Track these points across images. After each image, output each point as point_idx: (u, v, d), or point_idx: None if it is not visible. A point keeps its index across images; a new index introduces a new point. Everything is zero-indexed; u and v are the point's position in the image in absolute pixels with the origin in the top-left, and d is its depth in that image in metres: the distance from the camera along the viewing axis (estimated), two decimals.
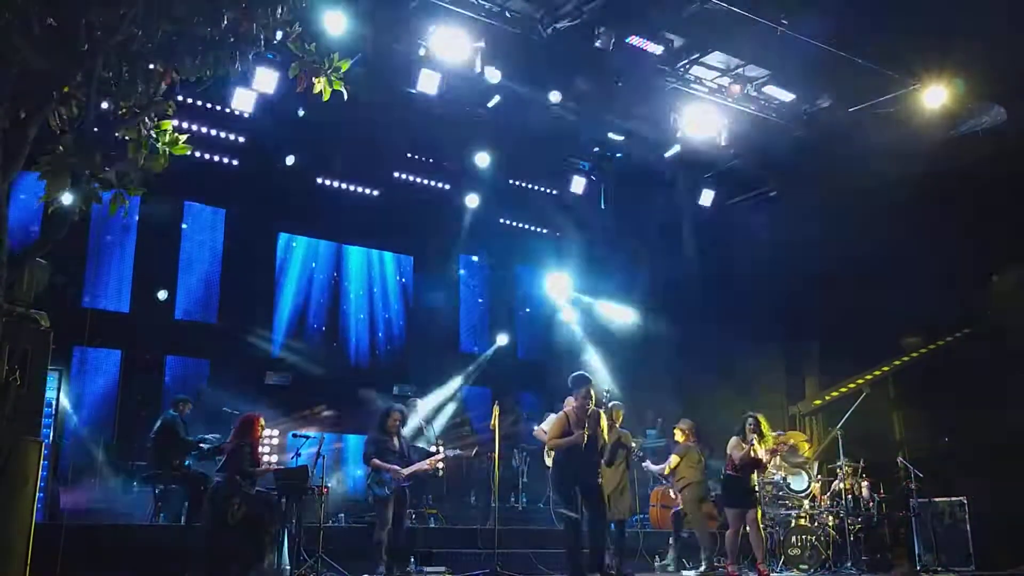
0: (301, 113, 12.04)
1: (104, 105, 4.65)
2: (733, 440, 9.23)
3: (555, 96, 11.86)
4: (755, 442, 9.04)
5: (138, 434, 10.58)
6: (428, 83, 11.15)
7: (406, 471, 8.76)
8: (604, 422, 8.06)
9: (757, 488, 9.53)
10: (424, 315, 15.37)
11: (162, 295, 12.38)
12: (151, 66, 4.63)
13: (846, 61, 10.99)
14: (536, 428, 10.38)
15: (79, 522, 8.98)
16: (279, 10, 4.64)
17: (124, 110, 4.69)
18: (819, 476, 11.12)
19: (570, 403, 8.37)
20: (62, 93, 4.55)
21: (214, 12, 4.47)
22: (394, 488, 8.62)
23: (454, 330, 15.92)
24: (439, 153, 14.67)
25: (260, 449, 8.57)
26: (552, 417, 8.97)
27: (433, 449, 10.83)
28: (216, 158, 12.99)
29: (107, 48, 4.45)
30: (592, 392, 7.90)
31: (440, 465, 9.94)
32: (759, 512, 9.21)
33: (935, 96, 11.43)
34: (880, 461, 11.71)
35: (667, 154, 13.82)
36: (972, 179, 11.92)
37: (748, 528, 9.06)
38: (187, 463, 9.53)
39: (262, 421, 8.47)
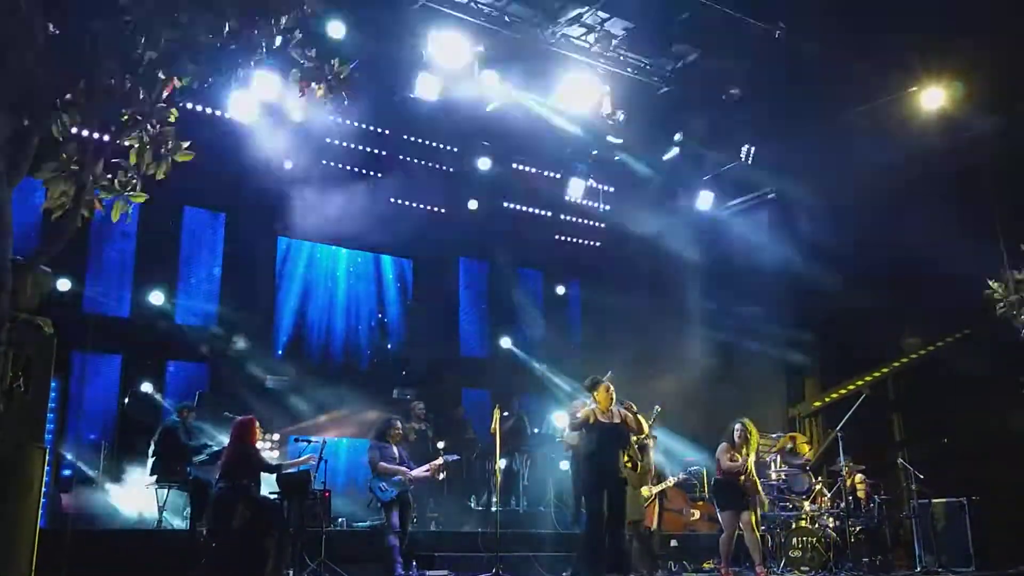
0: (299, 118, 12.04)
1: (107, 112, 4.67)
2: (723, 446, 9.29)
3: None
4: (744, 450, 9.14)
5: (139, 439, 10.58)
6: (427, 88, 11.21)
7: (413, 473, 8.90)
8: (630, 418, 8.30)
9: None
10: (424, 318, 15.37)
11: (157, 299, 12.34)
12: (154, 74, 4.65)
13: (846, 62, 11.06)
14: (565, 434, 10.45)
15: (82, 528, 8.99)
16: (281, 18, 4.67)
17: (127, 117, 4.71)
18: (819, 478, 11.13)
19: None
20: (65, 101, 4.57)
21: (216, 20, 4.50)
22: (398, 492, 8.72)
23: (454, 333, 15.92)
24: (439, 155, 14.70)
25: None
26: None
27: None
28: (215, 163, 12.96)
29: (110, 56, 4.47)
30: (607, 389, 8.21)
31: (441, 470, 9.95)
32: (754, 514, 9.22)
33: (933, 98, 11.48)
34: (880, 462, 11.73)
35: (665, 156, 13.89)
36: (973, 179, 11.94)
37: (743, 531, 9.07)
38: (188, 469, 9.54)
39: (258, 424, 8.50)
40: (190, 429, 9.87)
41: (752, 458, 9.16)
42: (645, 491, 9.68)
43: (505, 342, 15.64)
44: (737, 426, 9.27)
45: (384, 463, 8.86)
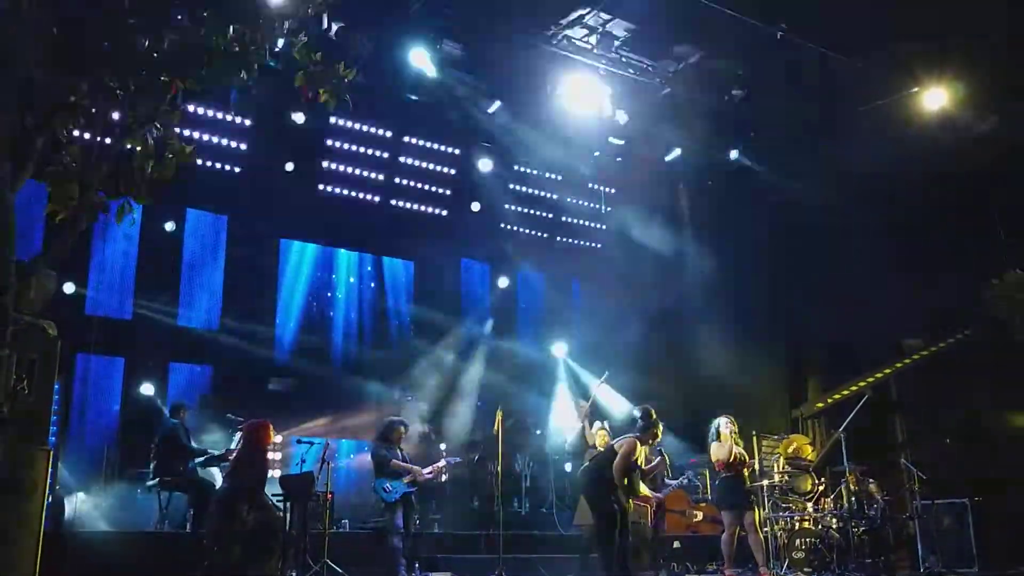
0: (301, 120, 12.07)
1: (111, 115, 4.68)
2: (715, 445, 9.31)
3: None
4: (734, 442, 9.27)
5: (142, 441, 10.59)
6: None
7: (425, 471, 8.93)
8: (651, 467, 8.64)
9: (752, 490, 9.60)
10: (426, 320, 15.36)
11: (159, 301, 12.36)
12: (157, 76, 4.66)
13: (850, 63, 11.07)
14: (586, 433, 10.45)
15: (85, 530, 9.00)
16: (285, 21, 4.68)
17: (131, 120, 4.72)
18: (822, 479, 11.11)
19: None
20: (69, 103, 4.57)
21: (220, 23, 4.50)
22: (403, 493, 8.74)
23: (455, 334, 15.88)
24: (440, 157, 14.70)
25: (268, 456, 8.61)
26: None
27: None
28: (218, 165, 13.00)
29: (114, 58, 4.48)
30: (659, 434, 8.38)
31: (444, 472, 9.99)
32: (757, 514, 9.22)
33: (935, 99, 11.49)
34: (882, 463, 11.72)
35: (668, 157, 13.88)
36: (973, 180, 11.95)
37: (746, 531, 9.06)
38: (192, 469, 9.55)
39: (271, 428, 8.46)
40: (188, 428, 9.87)
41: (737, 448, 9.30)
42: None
43: (507, 342, 15.64)
44: (723, 422, 9.39)
45: (395, 462, 8.93)
